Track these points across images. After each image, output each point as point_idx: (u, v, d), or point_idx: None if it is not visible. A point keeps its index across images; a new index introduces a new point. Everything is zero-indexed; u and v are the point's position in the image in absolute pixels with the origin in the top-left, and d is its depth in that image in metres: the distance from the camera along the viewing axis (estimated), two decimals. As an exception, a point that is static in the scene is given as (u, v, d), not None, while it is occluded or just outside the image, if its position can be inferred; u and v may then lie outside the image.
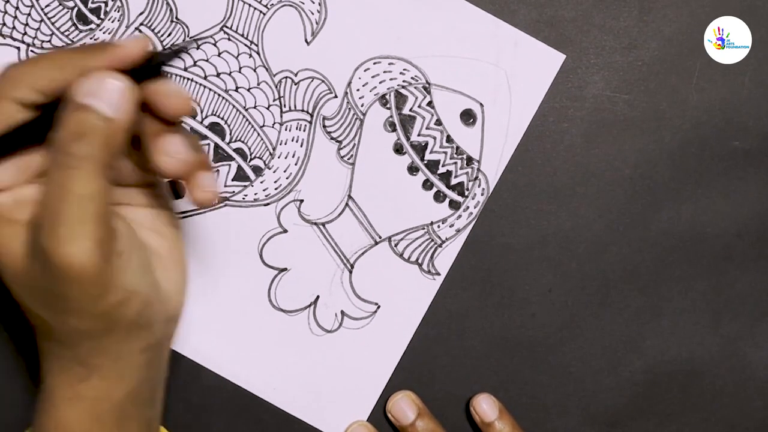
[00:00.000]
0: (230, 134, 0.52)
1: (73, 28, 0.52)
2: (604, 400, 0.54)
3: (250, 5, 0.52)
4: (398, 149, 0.52)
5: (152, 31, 0.52)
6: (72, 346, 0.40)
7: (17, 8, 0.52)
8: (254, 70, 0.52)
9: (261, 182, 0.52)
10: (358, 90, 0.52)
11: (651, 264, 0.53)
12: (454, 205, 0.53)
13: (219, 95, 0.52)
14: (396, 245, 0.53)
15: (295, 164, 0.52)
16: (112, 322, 0.39)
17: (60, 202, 0.36)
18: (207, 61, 0.52)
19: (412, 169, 0.52)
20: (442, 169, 0.52)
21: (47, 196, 0.36)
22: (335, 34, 0.52)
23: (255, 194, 0.52)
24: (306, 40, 0.52)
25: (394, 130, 0.52)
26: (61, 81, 0.37)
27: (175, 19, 0.52)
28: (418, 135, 0.52)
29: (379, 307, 0.53)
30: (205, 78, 0.52)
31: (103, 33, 0.52)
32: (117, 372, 0.41)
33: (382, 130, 0.52)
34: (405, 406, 0.52)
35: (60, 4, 0.52)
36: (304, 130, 0.52)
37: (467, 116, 0.52)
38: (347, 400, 0.53)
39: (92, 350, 0.40)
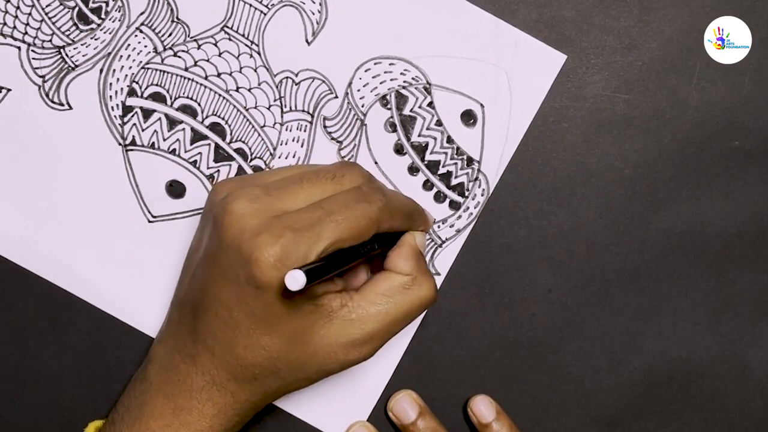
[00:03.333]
0: (231, 134, 0.52)
1: (73, 27, 0.52)
2: (604, 400, 0.54)
3: (250, 5, 0.52)
4: (399, 150, 0.52)
5: (153, 30, 0.52)
6: (269, 398, 0.47)
7: (18, 8, 0.52)
8: (255, 71, 0.52)
9: (261, 182, 0.52)
10: (358, 90, 0.52)
11: (651, 264, 0.53)
12: (454, 206, 0.53)
13: (220, 95, 0.52)
14: (396, 245, 0.53)
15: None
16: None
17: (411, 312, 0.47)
18: (208, 61, 0.52)
19: (413, 170, 0.52)
20: (442, 170, 0.52)
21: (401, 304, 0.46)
22: (336, 35, 0.52)
23: (255, 194, 0.52)
24: (307, 41, 0.52)
25: (395, 130, 0.52)
26: (403, 228, 0.48)
27: (175, 19, 0.52)
28: (419, 135, 0.52)
29: (379, 307, 0.53)
30: (206, 78, 0.52)
31: (104, 33, 0.52)
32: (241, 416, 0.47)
33: (382, 130, 0.52)
34: (406, 405, 0.52)
35: (61, 4, 0.52)
36: (305, 131, 0.52)
37: (468, 117, 0.52)
38: (347, 400, 0.53)
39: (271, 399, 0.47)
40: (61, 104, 0.52)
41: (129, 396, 0.47)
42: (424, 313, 0.49)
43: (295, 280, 0.39)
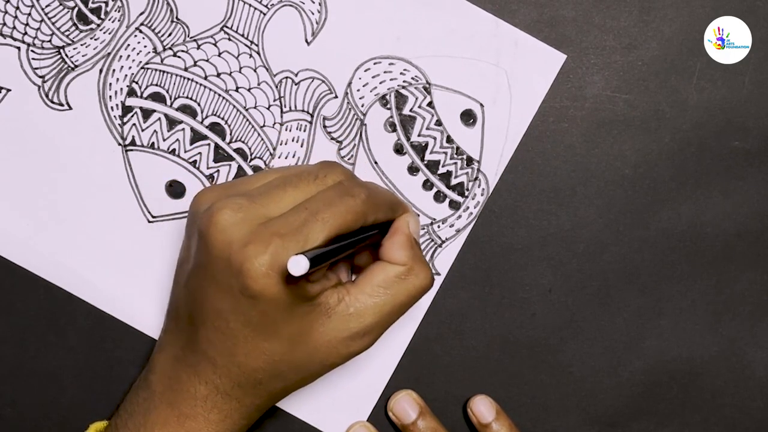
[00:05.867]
0: (230, 134, 0.52)
1: (73, 28, 0.52)
2: (604, 400, 0.54)
3: (250, 5, 0.52)
4: (398, 149, 0.52)
5: (152, 31, 0.52)
6: (271, 400, 0.47)
7: (17, 8, 0.52)
8: (254, 71, 0.52)
9: (261, 182, 0.52)
10: (358, 90, 0.52)
11: (651, 264, 0.53)
12: (454, 205, 0.53)
13: (219, 95, 0.52)
14: (396, 245, 0.53)
15: (296, 164, 0.52)
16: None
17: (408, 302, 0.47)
18: (207, 61, 0.52)
19: (413, 170, 0.52)
20: (442, 170, 0.52)
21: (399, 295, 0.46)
22: (335, 35, 0.52)
23: (255, 194, 0.52)
24: (306, 41, 0.52)
25: (395, 130, 0.52)
26: (388, 219, 0.47)
27: (175, 19, 0.52)
28: (419, 135, 0.52)
29: (379, 307, 0.53)
30: (206, 78, 0.52)
31: (104, 33, 0.52)
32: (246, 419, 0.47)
33: (382, 130, 0.52)
34: (406, 405, 0.52)
35: (60, 4, 0.52)
36: (305, 131, 0.52)
37: (467, 116, 0.52)
38: (347, 400, 0.53)
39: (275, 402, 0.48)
40: (61, 104, 0.52)
41: (132, 403, 0.47)
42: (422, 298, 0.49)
43: (298, 265, 0.39)
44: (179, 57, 0.52)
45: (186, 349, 0.45)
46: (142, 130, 0.52)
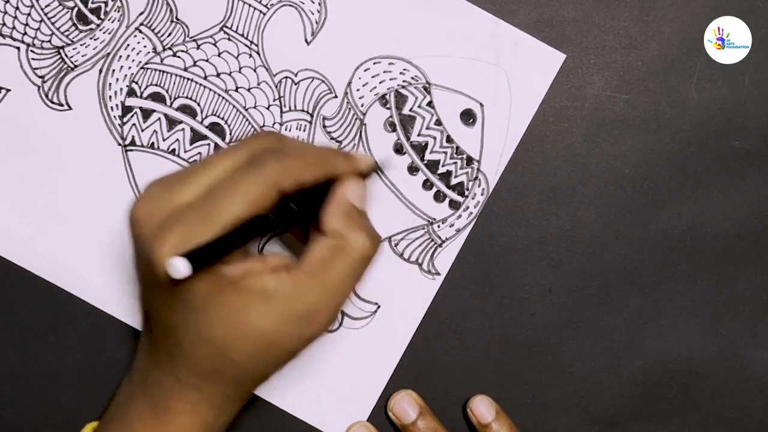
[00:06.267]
0: (230, 134, 0.52)
1: (73, 28, 0.52)
2: (604, 400, 0.54)
3: (250, 5, 0.52)
4: (398, 149, 0.52)
5: (152, 31, 0.52)
6: (247, 386, 0.46)
7: (17, 8, 0.52)
8: (254, 70, 0.52)
9: (261, 182, 0.52)
10: (358, 90, 0.52)
11: (651, 264, 0.53)
12: (454, 205, 0.53)
13: (219, 95, 0.52)
14: (396, 245, 0.53)
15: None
16: None
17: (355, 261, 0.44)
18: (207, 61, 0.52)
19: (412, 169, 0.52)
20: (442, 169, 0.52)
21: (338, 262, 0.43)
22: (335, 34, 0.52)
23: (255, 194, 0.52)
24: (306, 40, 0.52)
25: (394, 130, 0.52)
26: (317, 180, 0.44)
27: (175, 19, 0.52)
28: (418, 135, 0.52)
29: (379, 307, 0.53)
30: (205, 78, 0.52)
31: (103, 33, 0.52)
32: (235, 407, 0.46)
33: (382, 130, 0.52)
34: (406, 405, 0.52)
35: (60, 4, 0.52)
36: (305, 130, 0.52)
37: (467, 116, 0.52)
38: (347, 400, 0.53)
39: (256, 386, 0.47)
40: (61, 104, 0.52)
41: (118, 396, 0.48)
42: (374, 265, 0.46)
43: (177, 269, 0.37)
44: (179, 57, 0.52)
45: (151, 344, 0.45)
46: (142, 130, 0.52)
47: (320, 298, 0.42)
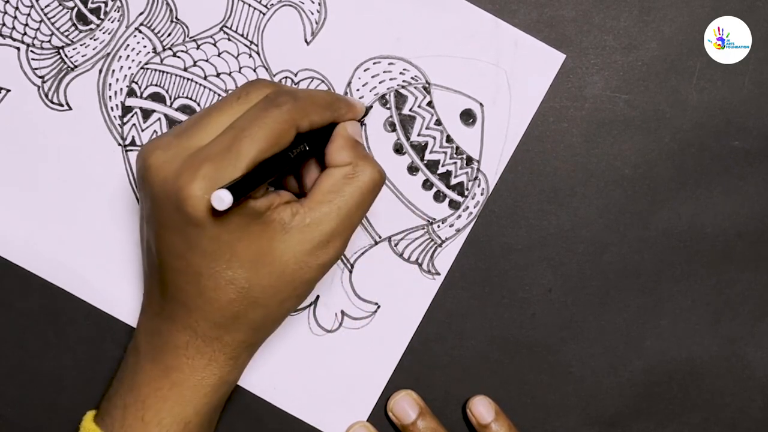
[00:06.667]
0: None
1: (72, 28, 0.52)
2: (604, 400, 0.54)
3: (249, 5, 0.52)
4: (398, 149, 0.52)
5: (152, 31, 0.52)
6: (257, 332, 0.47)
7: (17, 8, 0.52)
8: (254, 71, 0.52)
9: (261, 182, 0.52)
10: (357, 90, 0.52)
11: (651, 264, 0.53)
12: (454, 205, 0.53)
13: (219, 95, 0.52)
14: (396, 245, 0.53)
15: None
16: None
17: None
18: (207, 61, 0.52)
19: (412, 169, 0.52)
20: (441, 169, 0.52)
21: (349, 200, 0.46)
22: (335, 34, 0.52)
23: (255, 194, 0.52)
24: (306, 40, 0.52)
25: (394, 130, 0.52)
26: (326, 121, 0.46)
27: (175, 19, 0.52)
28: (418, 135, 0.52)
29: (379, 307, 0.53)
30: (205, 78, 0.52)
31: (103, 33, 0.52)
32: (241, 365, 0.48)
33: (382, 130, 0.52)
34: (406, 405, 0.52)
35: (60, 5, 0.52)
36: (304, 130, 0.52)
37: (467, 116, 0.52)
38: (347, 400, 0.53)
39: (264, 336, 0.49)
40: (61, 105, 0.52)
41: (122, 370, 0.48)
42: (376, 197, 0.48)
43: (221, 200, 0.39)
44: (179, 57, 0.52)
45: (161, 303, 0.46)
46: (142, 131, 0.52)
47: (335, 224, 0.45)
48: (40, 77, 0.52)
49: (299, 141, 0.45)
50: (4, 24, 0.52)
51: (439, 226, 0.53)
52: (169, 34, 0.52)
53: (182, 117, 0.52)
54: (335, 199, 0.45)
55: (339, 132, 0.47)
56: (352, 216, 0.46)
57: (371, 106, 0.52)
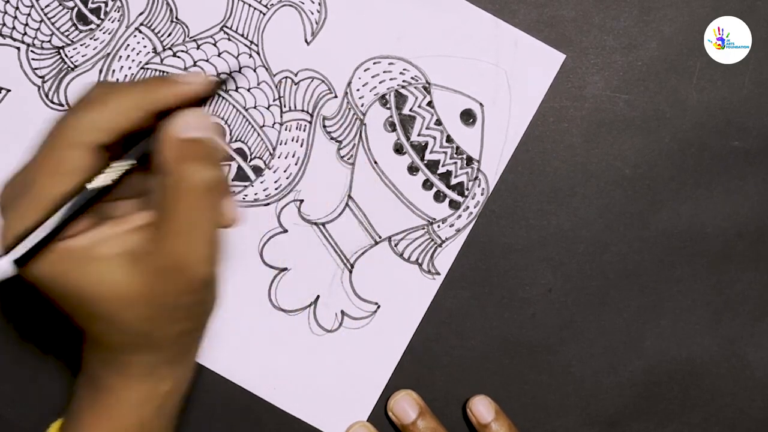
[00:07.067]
0: (230, 134, 0.52)
1: (73, 28, 0.52)
2: (604, 400, 0.54)
3: (250, 5, 0.52)
4: (398, 149, 0.52)
5: (152, 31, 0.52)
6: (165, 349, 0.42)
7: (17, 8, 0.52)
8: (254, 70, 0.52)
9: (261, 182, 0.52)
10: (358, 90, 0.52)
11: (651, 264, 0.53)
12: (454, 205, 0.53)
13: (219, 95, 0.52)
14: (396, 245, 0.53)
15: (295, 164, 0.52)
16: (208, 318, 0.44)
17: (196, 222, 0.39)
18: (207, 61, 0.52)
19: (412, 169, 0.52)
20: (442, 169, 0.52)
21: (176, 221, 0.39)
22: (335, 34, 0.52)
23: (255, 194, 0.52)
24: (306, 40, 0.52)
25: (394, 130, 0.52)
26: (138, 122, 0.39)
27: (175, 19, 0.52)
28: (418, 135, 0.52)
29: (379, 307, 0.53)
30: (205, 78, 0.52)
31: (103, 33, 0.52)
32: (187, 369, 0.45)
33: (382, 130, 0.52)
34: (406, 405, 0.52)
35: (60, 5, 0.52)
36: (304, 130, 0.52)
37: (467, 116, 0.52)
38: (347, 400, 0.53)
39: (184, 348, 0.44)
40: (61, 105, 0.52)
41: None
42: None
43: (3, 271, 0.36)
44: (179, 57, 0.52)
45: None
46: (142, 130, 0.52)
47: (179, 245, 0.39)
48: (40, 77, 0.52)
49: (119, 153, 0.39)
50: (4, 24, 0.52)
51: (439, 226, 0.53)
52: (169, 34, 0.52)
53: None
54: (169, 219, 0.39)
55: (160, 132, 0.39)
56: (196, 232, 0.39)
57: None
